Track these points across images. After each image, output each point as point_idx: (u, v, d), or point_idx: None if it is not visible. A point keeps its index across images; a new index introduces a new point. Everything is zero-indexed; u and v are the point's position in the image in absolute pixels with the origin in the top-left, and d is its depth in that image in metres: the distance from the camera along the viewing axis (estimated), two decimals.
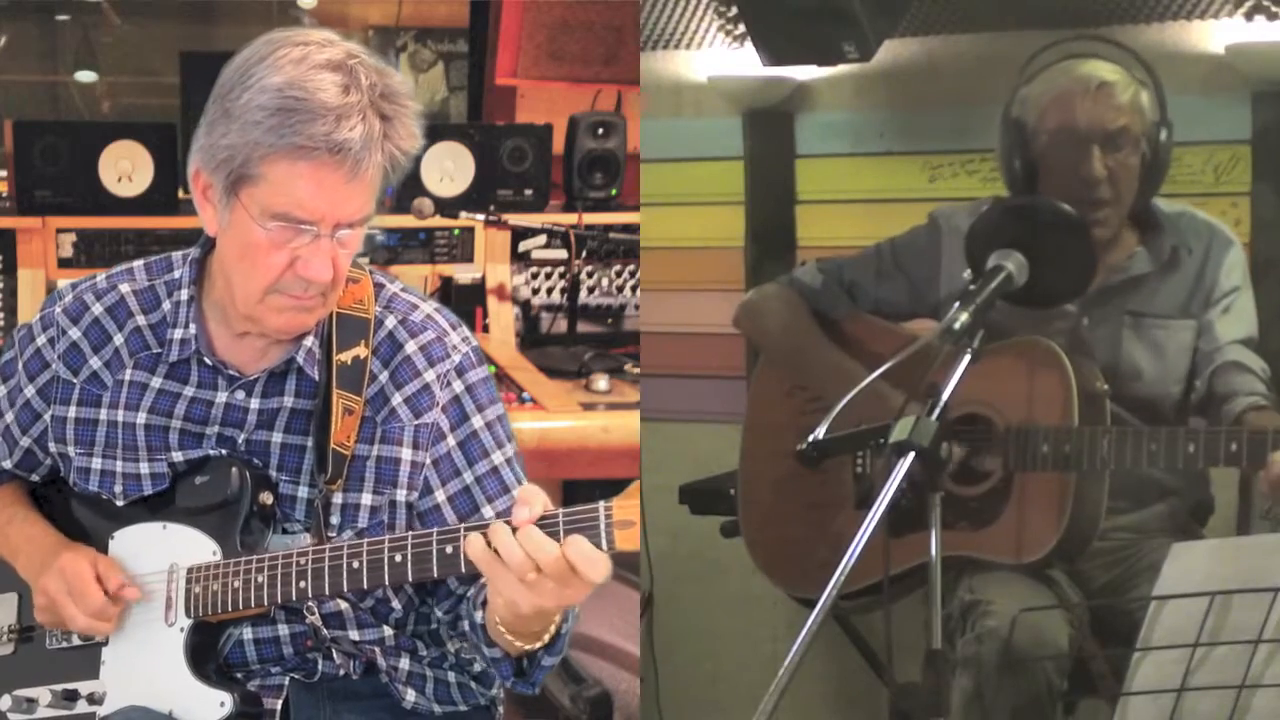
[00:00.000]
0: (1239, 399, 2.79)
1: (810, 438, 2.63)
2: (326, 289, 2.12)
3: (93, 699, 2.24)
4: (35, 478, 2.39)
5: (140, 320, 2.27)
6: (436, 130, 4.24)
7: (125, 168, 3.76)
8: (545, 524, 1.92)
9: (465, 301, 3.88)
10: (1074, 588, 2.82)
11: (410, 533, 2.07)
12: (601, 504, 1.92)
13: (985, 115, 3.02)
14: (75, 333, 2.28)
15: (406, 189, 3.95)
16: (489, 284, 3.97)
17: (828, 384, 2.93)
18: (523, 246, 4.00)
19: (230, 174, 2.07)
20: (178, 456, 2.24)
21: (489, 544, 1.93)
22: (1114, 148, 2.83)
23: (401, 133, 2.07)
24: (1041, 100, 2.87)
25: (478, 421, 2.24)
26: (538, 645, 2.07)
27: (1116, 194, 2.85)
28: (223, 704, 2.16)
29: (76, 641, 2.28)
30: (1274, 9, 3.29)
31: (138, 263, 2.33)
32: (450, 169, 3.98)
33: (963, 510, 2.76)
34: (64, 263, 3.73)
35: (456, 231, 3.96)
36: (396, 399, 2.21)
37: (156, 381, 2.24)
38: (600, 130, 4.11)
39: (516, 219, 3.92)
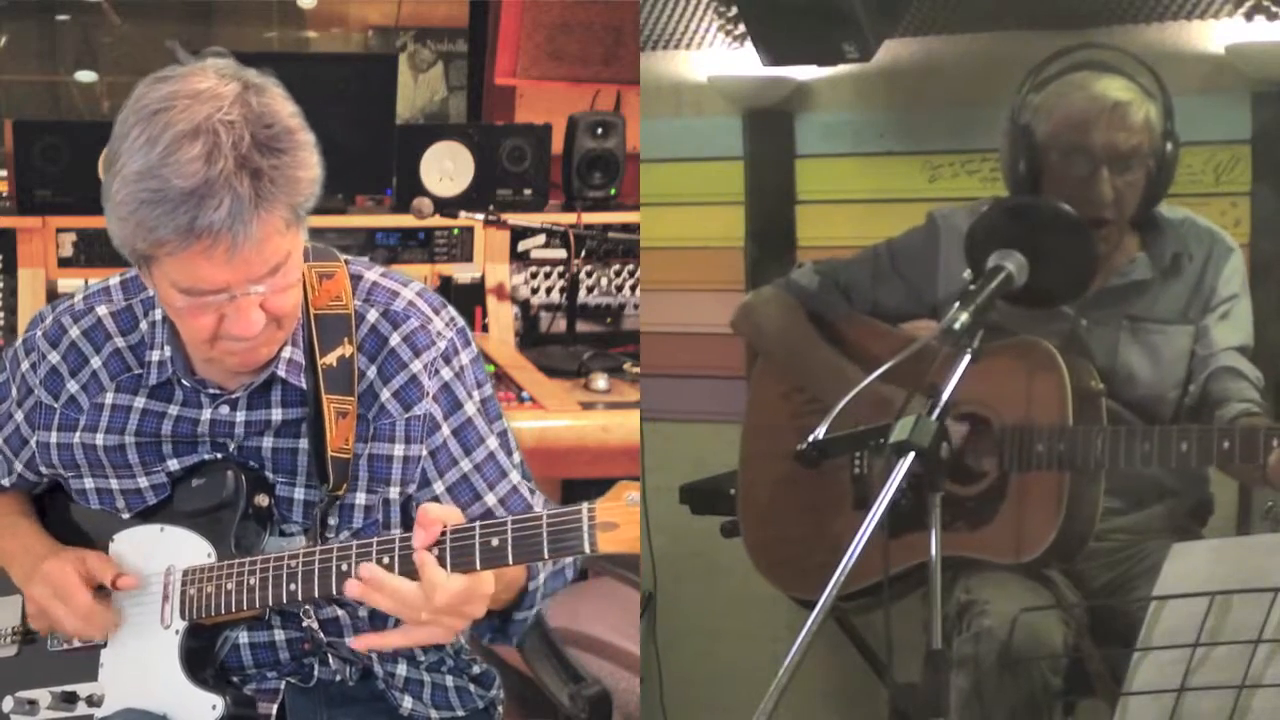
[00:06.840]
0: (1232, 405, 2.78)
1: (810, 437, 2.63)
2: (277, 323, 2.05)
3: (91, 701, 2.23)
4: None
5: (119, 342, 2.22)
6: (436, 130, 4.25)
7: None
8: (528, 527, 1.92)
9: (465, 301, 3.88)
10: (1072, 588, 2.82)
11: (398, 535, 2.05)
12: (585, 505, 1.90)
13: (985, 115, 3.01)
14: (54, 357, 2.25)
15: (406, 189, 3.95)
16: (488, 283, 3.97)
17: (824, 386, 2.92)
18: (522, 246, 4.00)
19: (132, 252, 2.00)
20: (173, 465, 2.23)
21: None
22: (1123, 169, 2.80)
23: (280, 185, 1.92)
24: (1053, 113, 2.83)
25: (470, 408, 2.22)
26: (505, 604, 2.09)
27: (1121, 211, 2.83)
28: (214, 707, 2.15)
29: (77, 644, 2.27)
30: (1274, 9, 3.28)
31: (114, 280, 2.28)
32: (450, 169, 3.98)
33: (959, 510, 2.76)
34: (64, 262, 3.73)
35: (456, 231, 3.96)
36: (385, 394, 2.18)
37: (140, 402, 2.21)
38: (599, 130, 4.11)
39: (516, 219, 3.92)
